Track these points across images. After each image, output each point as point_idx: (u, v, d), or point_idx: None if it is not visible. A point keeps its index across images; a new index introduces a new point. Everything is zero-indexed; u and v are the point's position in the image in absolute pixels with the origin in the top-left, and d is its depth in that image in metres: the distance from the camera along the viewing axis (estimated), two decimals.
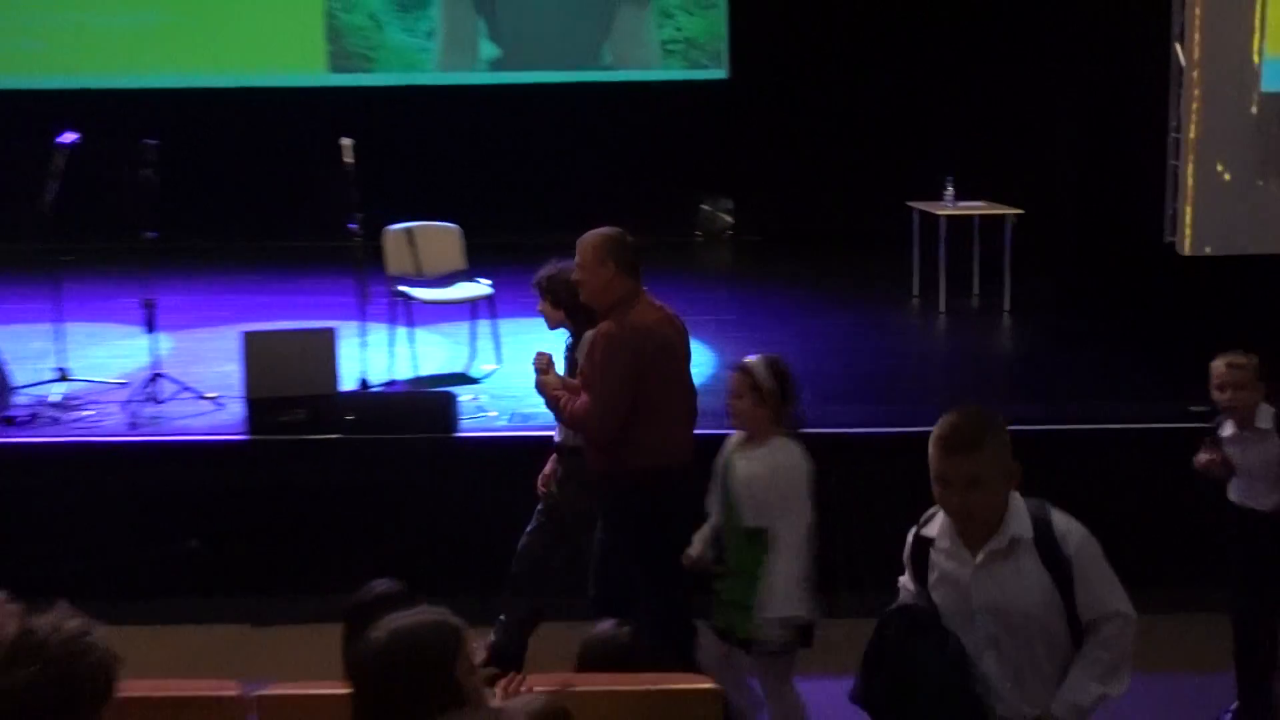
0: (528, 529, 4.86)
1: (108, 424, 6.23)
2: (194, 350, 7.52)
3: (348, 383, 6.33)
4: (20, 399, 6.50)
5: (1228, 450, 4.38)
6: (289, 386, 5.95)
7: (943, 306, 8.66)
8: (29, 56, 11.89)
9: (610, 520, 4.42)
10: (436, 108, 11.55)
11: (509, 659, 4.32)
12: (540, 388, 4.35)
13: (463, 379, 6.99)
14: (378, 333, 7.01)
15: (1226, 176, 8.68)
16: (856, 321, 8.60)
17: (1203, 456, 4.42)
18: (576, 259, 4.32)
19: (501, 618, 4.85)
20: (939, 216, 8.64)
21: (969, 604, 2.85)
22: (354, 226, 6.62)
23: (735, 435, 4.16)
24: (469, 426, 6.03)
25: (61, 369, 6.82)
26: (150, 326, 6.62)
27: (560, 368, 4.55)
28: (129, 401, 6.46)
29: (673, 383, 4.35)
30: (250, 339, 6.10)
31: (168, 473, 5.98)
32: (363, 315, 6.82)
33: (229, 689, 2.97)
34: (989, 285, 8.84)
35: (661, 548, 4.14)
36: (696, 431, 4.48)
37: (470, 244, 7.51)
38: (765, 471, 3.98)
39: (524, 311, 8.59)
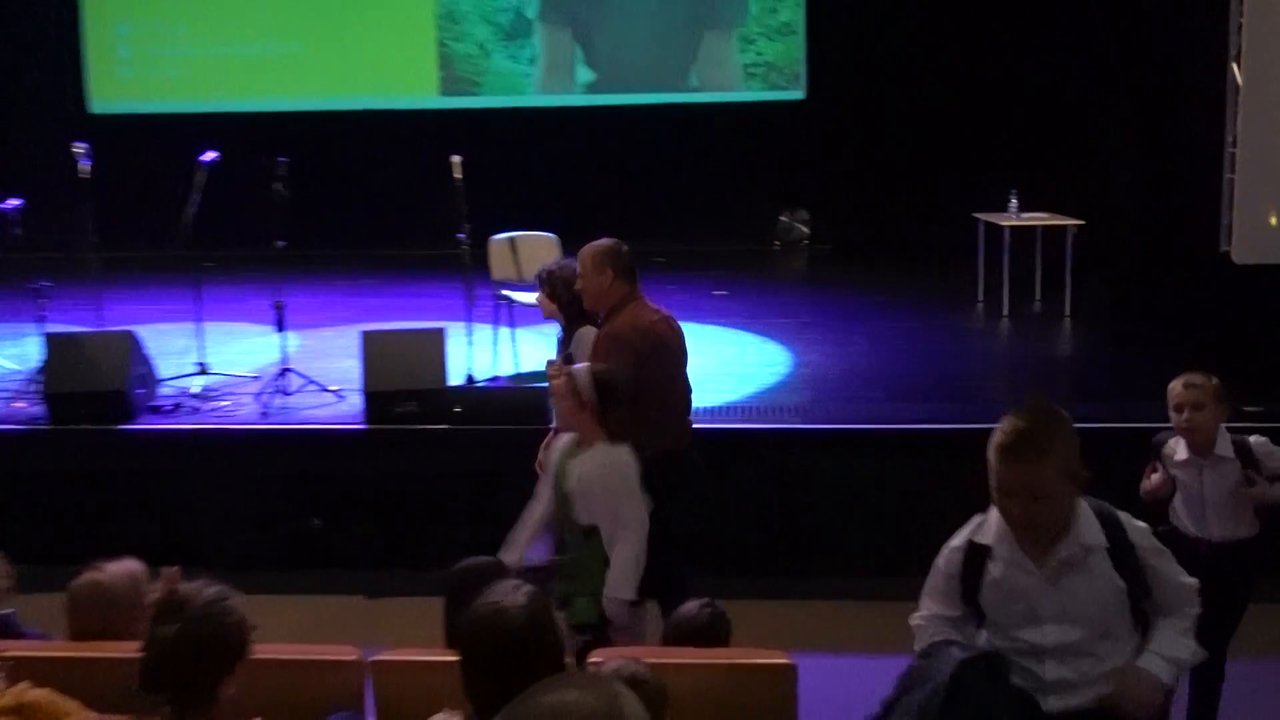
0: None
1: (242, 413, 6.33)
2: (319, 347, 7.62)
3: (455, 378, 6.37)
4: (165, 390, 6.63)
5: (1176, 473, 3.91)
6: (403, 381, 6.01)
7: (1006, 311, 8.50)
8: (177, 84, 12.18)
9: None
10: (537, 127, 11.60)
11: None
12: (553, 391, 4.32)
13: None
14: (482, 333, 7.05)
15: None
16: (924, 325, 8.46)
17: (1154, 478, 3.95)
18: (579, 267, 4.42)
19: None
20: (1004, 227, 8.48)
21: (1036, 613, 2.57)
22: (462, 236, 6.67)
23: (566, 438, 4.04)
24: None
25: (201, 364, 6.95)
26: (280, 326, 6.70)
27: (552, 354, 4.60)
28: (260, 393, 6.56)
29: (669, 376, 4.40)
30: (369, 338, 6.17)
31: (294, 458, 6.07)
32: (469, 317, 6.87)
33: (348, 654, 2.99)
34: (1050, 291, 8.65)
35: (663, 520, 4.08)
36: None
37: (567, 251, 7.52)
38: (595, 473, 3.85)
39: None
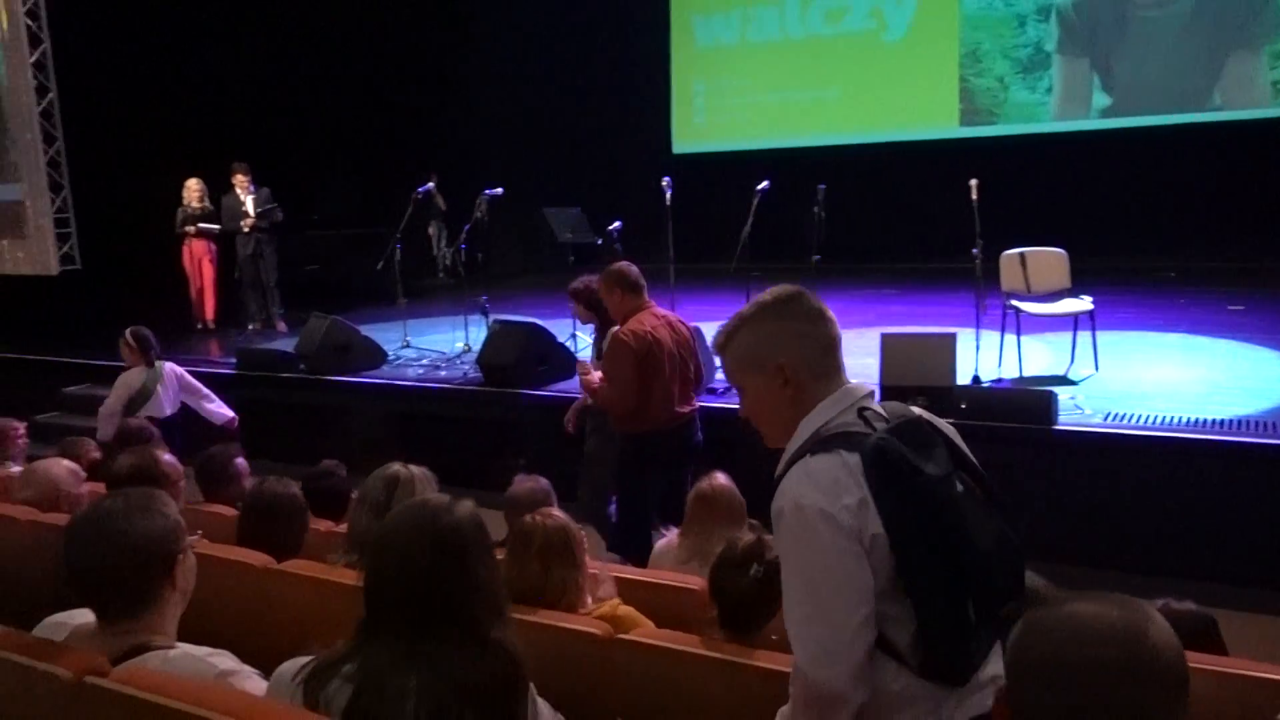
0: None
1: None
2: (844, 346, 7.68)
3: (962, 377, 6.17)
4: (719, 376, 7.03)
5: None
6: (915, 378, 5.92)
7: None
8: (739, 127, 12.92)
9: (622, 460, 4.90)
10: (1050, 151, 10.89)
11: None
12: (582, 384, 4.92)
13: (1063, 380, 6.52)
14: (990, 338, 6.75)
15: None
16: None
17: None
18: (599, 286, 5.00)
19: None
20: None
21: None
22: (976, 251, 6.42)
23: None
24: (1067, 421, 5.62)
25: None
26: None
27: (589, 353, 5.12)
28: None
29: (660, 370, 4.75)
30: (887, 340, 6.14)
31: None
32: (978, 323, 6.61)
33: None
34: None
35: (643, 482, 4.77)
36: None
37: (1075, 267, 6.99)
38: None
39: (1121, 324, 7.88)
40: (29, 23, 10.65)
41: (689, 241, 8.64)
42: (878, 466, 1.72)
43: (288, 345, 8.58)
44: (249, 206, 9.88)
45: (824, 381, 1.88)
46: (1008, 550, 1.78)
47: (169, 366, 6.86)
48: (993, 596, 1.74)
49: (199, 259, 10.23)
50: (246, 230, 9.88)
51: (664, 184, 7.53)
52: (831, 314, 1.95)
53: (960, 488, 1.80)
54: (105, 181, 10.97)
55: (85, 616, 2.14)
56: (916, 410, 1.90)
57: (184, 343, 10.01)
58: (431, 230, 11.41)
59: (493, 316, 8.12)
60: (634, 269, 4.93)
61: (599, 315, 5.36)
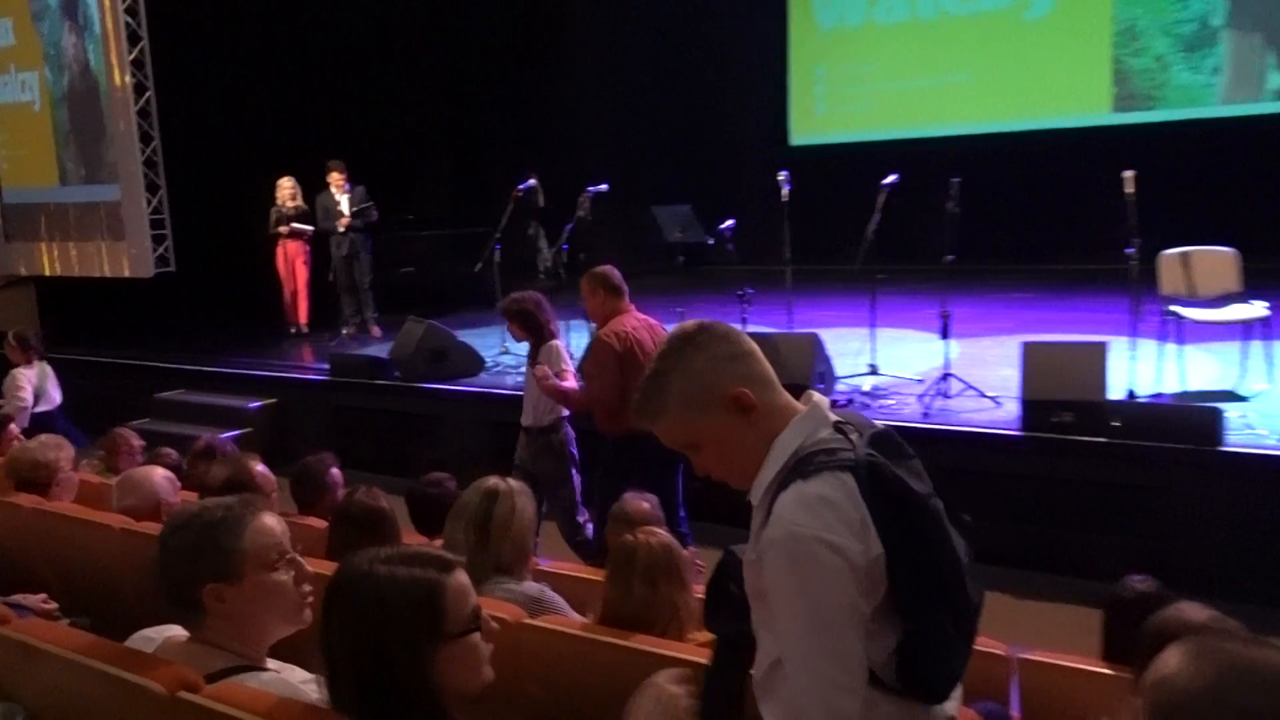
0: None
1: (906, 411, 6.43)
2: (979, 355, 7.53)
3: (1115, 391, 5.95)
4: (840, 387, 6.97)
5: None
6: (1061, 391, 5.74)
7: None
8: (863, 116, 12.77)
9: (611, 462, 5.17)
10: (1217, 139, 10.45)
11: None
12: (550, 390, 5.19)
13: (1231, 396, 6.23)
14: (1147, 348, 6.50)
15: None
16: None
17: None
18: (582, 289, 5.38)
19: None
20: None
21: None
22: (1131, 251, 6.20)
23: None
24: (1236, 442, 5.36)
25: (872, 365, 7.20)
26: (945, 333, 6.72)
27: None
28: (923, 395, 6.62)
29: (641, 370, 4.37)
30: (1030, 349, 5.97)
31: (951, 455, 6.06)
32: (1133, 331, 6.37)
33: (997, 647, 2.91)
34: None
35: (626, 481, 4.81)
36: None
37: (1248, 268, 6.68)
38: None
39: None
40: (128, 19, 11.19)
41: (808, 241, 8.58)
42: (874, 486, 1.75)
43: (382, 351, 8.80)
44: (344, 206, 10.17)
45: (778, 394, 1.89)
46: (970, 562, 1.87)
47: (43, 363, 8.25)
48: (968, 611, 1.85)
49: (293, 260, 10.60)
50: (341, 230, 10.18)
51: (781, 179, 7.51)
52: (736, 331, 1.94)
53: (938, 502, 1.83)
54: (199, 181, 11.45)
55: (177, 631, 2.22)
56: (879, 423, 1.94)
57: (276, 348, 10.37)
58: (531, 230, 11.58)
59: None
60: (617, 273, 5.41)
61: (534, 335, 5.58)
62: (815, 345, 6.71)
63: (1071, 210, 10.63)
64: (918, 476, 1.82)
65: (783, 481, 1.80)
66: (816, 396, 1.91)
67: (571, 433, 5.63)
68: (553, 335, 5.60)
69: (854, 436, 1.83)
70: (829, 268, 9.74)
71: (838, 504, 1.74)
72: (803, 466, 1.78)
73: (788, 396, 1.91)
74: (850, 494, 1.75)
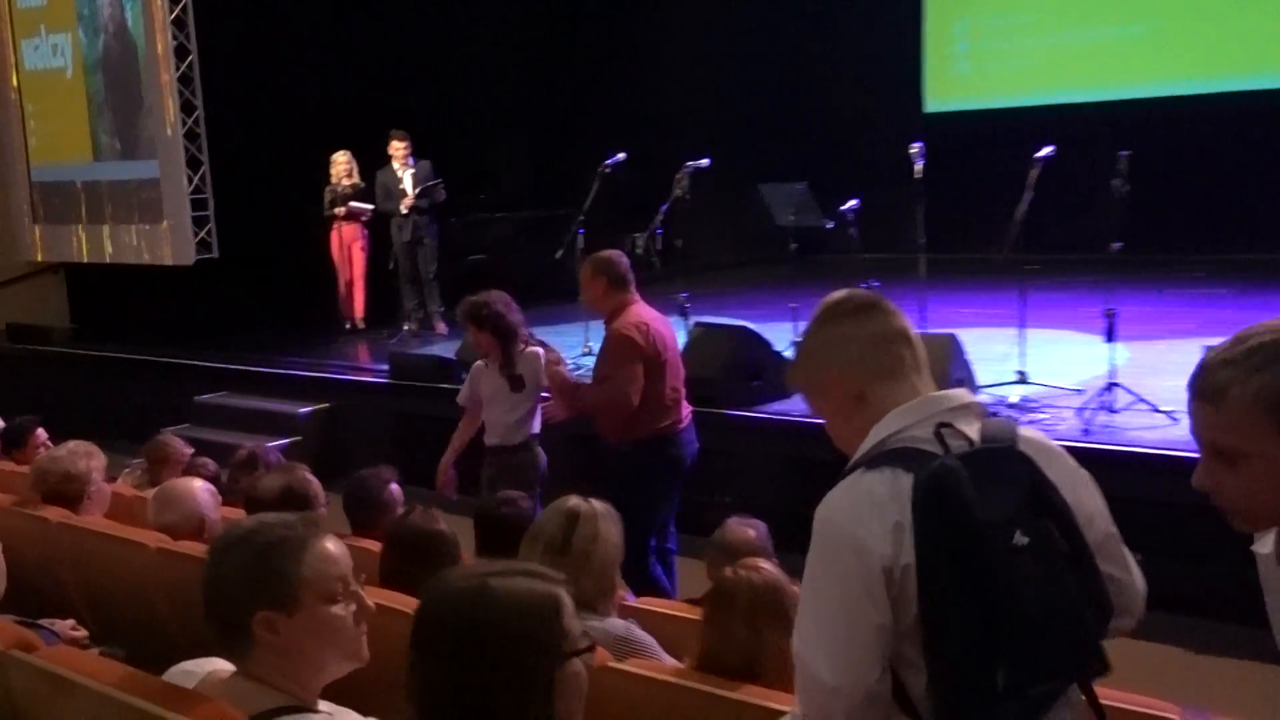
0: None
1: (1061, 428, 6.30)
2: (1152, 362, 7.36)
3: None
4: (982, 398, 6.84)
5: None
6: None
7: None
8: (1013, 77, 12.57)
9: (641, 471, 5.33)
10: None
11: None
12: (561, 384, 5.39)
13: None
14: None
15: None
16: None
17: None
18: (580, 277, 5.53)
19: None
20: None
21: None
22: None
23: None
24: None
25: (1021, 372, 7.08)
26: (1110, 336, 6.59)
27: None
28: (1083, 408, 6.49)
29: (666, 366, 5.32)
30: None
31: (1117, 481, 5.90)
32: None
33: (1169, 710, 2.86)
34: None
35: (643, 494, 5.23)
36: None
37: None
38: None
39: None
40: None
41: (945, 225, 8.47)
42: (927, 494, 1.88)
43: (448, 350, 8.94)
44: (407, 183, 10.35)
45: (891, 383, 2.07)
46: (1067, 620, 1.91)
47: None
48: (1032, 668, 1.89)
49: (348, 246, 10.81)
50: (404, 212, 10.36)
51: (914, 152, 7.46)
52: (892, 306, 2.14)
53: (1024, 539, 1.90)
54: (245, 157, 11.72)
55: (221, 664, 2.29)
56: (1026, 432, 2.08)
57: (329, 346, 10.60)
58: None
59: (693, 318, 8.20)
60: (624, 259, 5.45)
61: (502, 344, 5.60)
62: (952, 348, 6.64)
63: (1266, 189, 10.33)
64: (1000, 504, 1.90)
65: (851, 467, 2.01)
66: (938, 393, 2.07)
67: (543, 456, 5.76)
68: (526, 341, 5.70)
69: (954, 443, 1.96)
70: (970, 257, 9.60)
71: (879, 501, 1.91)
72: (876, 458, 1.98)
73: (917, 395, 2.06)
74: (899, 494, 1.91)
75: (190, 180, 11.65)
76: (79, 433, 5.30)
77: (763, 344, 7.50)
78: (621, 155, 8.96)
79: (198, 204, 11.74)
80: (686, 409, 5.56)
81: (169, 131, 11.70)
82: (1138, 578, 2.22)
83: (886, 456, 1.97)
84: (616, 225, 11.55)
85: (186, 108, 11.60)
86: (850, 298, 2.17)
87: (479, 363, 5.92)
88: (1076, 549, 1.98)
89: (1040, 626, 1.88)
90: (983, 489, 1.88)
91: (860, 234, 8.05)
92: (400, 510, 4.23)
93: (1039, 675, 1.91)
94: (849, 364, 2.08)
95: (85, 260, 13.06)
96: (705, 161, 8.51)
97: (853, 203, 8.05)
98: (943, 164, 7.91)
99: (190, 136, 11.65)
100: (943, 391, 2.07)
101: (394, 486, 4.41)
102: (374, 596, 3.13)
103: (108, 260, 12.72)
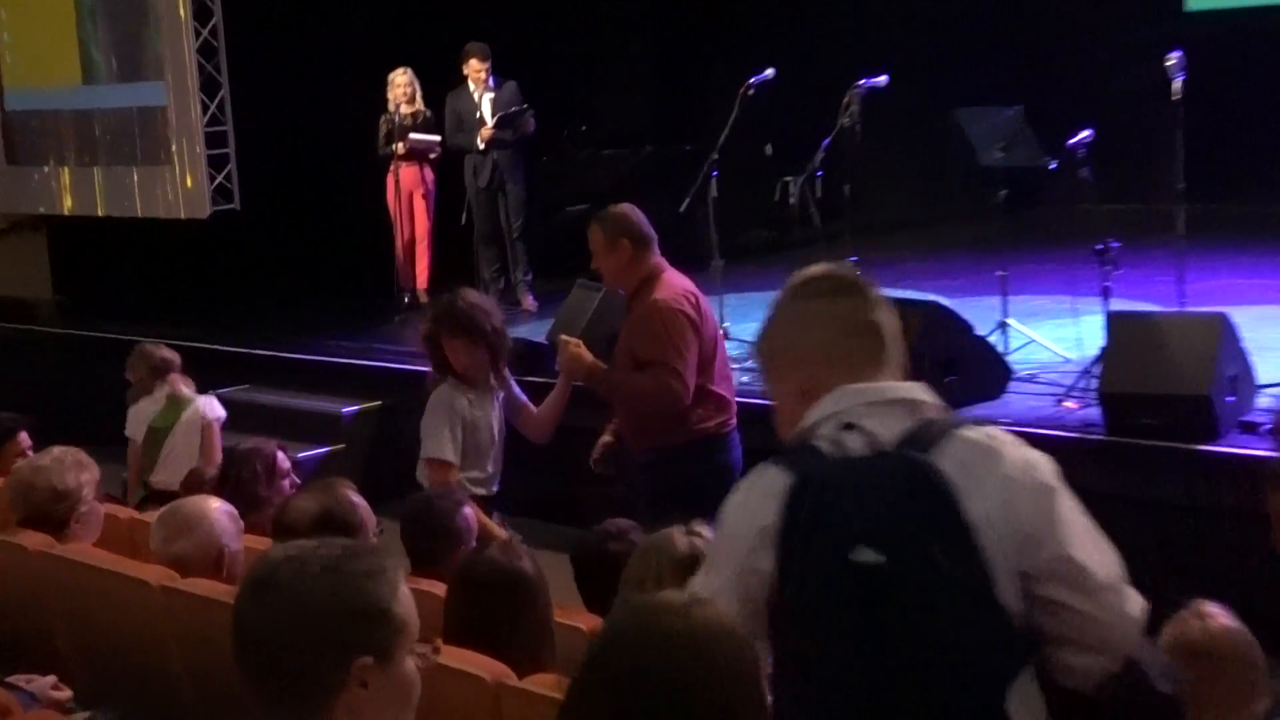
0: None
1: None
2: None
3: None
4: (1262, 400, 6.70)
5: None
6: None
7: None
8: None
9: (658, 481, 5.44)
10: None
11: None
12: (590, 373, 5.47)
13: None
14: None
15: None
16: None
17: None
18: (592, 243, 5.54)
19: None
20: None
21: None
22: None
23: None
24: None
25: None
26: None
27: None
28: None
29: (716, 346, 5.55)
30: None
31: None
32: None
33: None
34: None
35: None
36: None
37: None
38: None
39: None
40: None
41: (1213, 165, 8.29)
42: (791, 502, 2.27)
43: (538, 331, 8.98)
44: (486, 111, 10.42)
45: (842, 371, 2.38)
46: (923, 669, 2.20)
47: None
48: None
49: (409, 194, 10.85)
50: (482, 148, 10.42)
51: (1170, 64, 7.35)
52: (873, 294, 2.47)
53: (878, 558, 2.19)
54: (274, 80, 11.83)
55: None
56: (971, 434, 2.30)
57: (383, 325, 10.69)
58: (768, 149, 11.60)
59: None
60: (642, 215, 5.62)
61: (491, 358, 5.57)
62: (1222, 333, 6.49)
63: None
64: (881, 528, 2.20)
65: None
66: (875, 384, 2.37)
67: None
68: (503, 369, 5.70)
69: (851, 444, 2.31)
70: (1247, 209, 9.39)
71: (757, 503, 2.34)
72: (782, 450, 2.38)
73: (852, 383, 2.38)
74: (775, 496, 2.31)
75: (206, 108, 11.72)
76: (62, 436, 5.40)
77: (961, 326, 7.45)
78: (770, 72, 8.92)
79: (214, 139, 11.79)
80: (733, 404, 5.72)
81: (181, 46, 11.76)
82: (1114, 610, 2.31)
83: (788, 451, 2.37)
84: (762, 166, 11.55)
85: (201, 15, 11.66)
86: (828, 276, 2.53)
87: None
88: (970, 575, 2.20)
89: (868, 680, 2.22)
90: (865, 506, 2.23)
91: (1095, 175, 7.91)
92: (472, 543, 4.27)
93: None
94: (809, 343, 2.45)
95: (71, 213, 13.19)
96: (882, 79, 8.43)
97: (1085, 134, 7.91)
98: (1210, 82, 7.74)
99: (206, 51, 11.71)
100: (882, 383, 2.38)
101: (468, 511, 4.45)
102: (448, 658, 3.21)
103: (100, 214, 12.83)
